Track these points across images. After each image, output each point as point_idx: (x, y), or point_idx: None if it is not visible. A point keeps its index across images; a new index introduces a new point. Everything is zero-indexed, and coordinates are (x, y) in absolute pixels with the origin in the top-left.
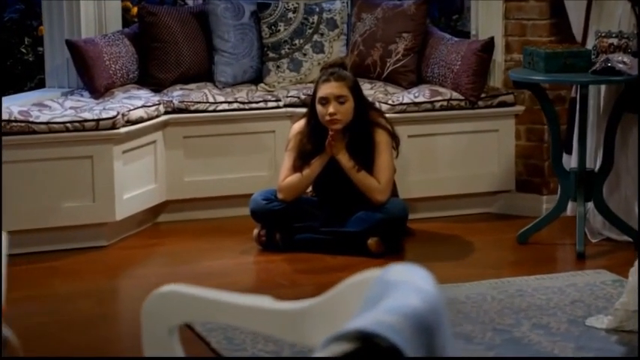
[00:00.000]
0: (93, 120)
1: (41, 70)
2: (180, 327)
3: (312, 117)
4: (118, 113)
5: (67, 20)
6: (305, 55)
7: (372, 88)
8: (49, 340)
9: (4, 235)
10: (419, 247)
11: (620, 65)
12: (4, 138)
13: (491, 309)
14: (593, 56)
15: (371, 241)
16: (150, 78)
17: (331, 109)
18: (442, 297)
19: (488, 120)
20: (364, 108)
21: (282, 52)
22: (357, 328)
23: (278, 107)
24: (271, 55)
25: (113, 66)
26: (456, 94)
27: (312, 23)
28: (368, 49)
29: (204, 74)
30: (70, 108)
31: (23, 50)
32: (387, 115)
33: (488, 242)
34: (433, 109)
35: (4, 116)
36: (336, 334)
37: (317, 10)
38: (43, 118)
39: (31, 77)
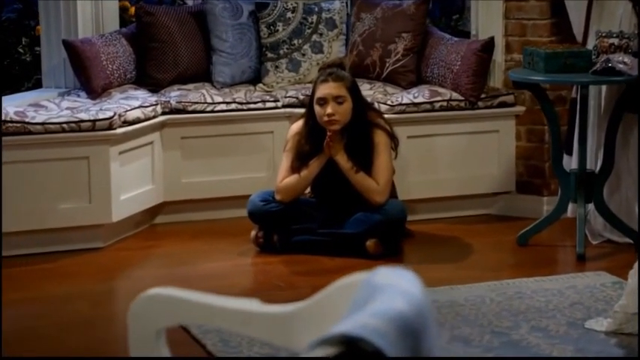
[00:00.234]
0: (89, 120)
1: (38, 70)
2: (177, 329)
3: (310, 117)
4: (115, 114)
5: (64, 20)
6: (304, 55)
7: (371, 89)
8: (45, 341)
9: None
10: (418, 249)
11: (621, 65)
12: None
13: (489, 311)
14: (593, 56)
15: (369, 243)
16: (147, 78)
17: (329, 110)
18: (429, 300)
19: (489, 121)
20: (363, 108)
21: (281, 52)
22: (341, 332)
23: (276, 108)
24: (270, 55)
25: (110, 66)
26: (455, 95)
27: (311, 23)
28: (367, 49)
29: (202, 74)
30: (67, 108)
31: (21, 50)
32: (386, 116)
33: (488, 244)
34: (433, 110)
35: None
36: (320, 338)
37: (316, 9)
38: (39, 119)
39: (28, 77)
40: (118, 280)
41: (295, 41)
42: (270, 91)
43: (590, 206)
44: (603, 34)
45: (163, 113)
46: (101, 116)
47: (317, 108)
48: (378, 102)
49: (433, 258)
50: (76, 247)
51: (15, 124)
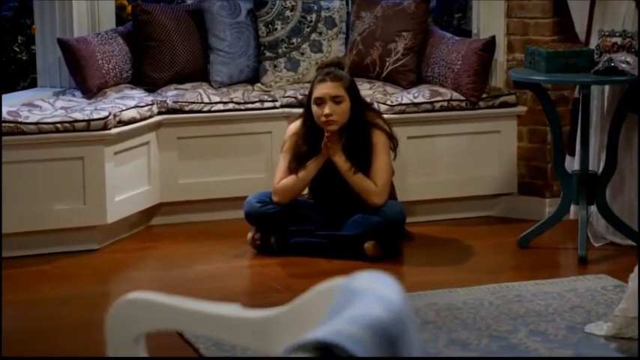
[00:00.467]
0: (84, 120)
1: (34, 69)
2: (171, 333)
3: (307, 118)
4: (110, 114)
5: (59, 18)
6: (303, 54)
7: (371, 88)
8: (40, 344)
9: None
10: (417, 251)
11: (623, 65)
12: None
13: (488, 315)
14: (596, 56)
15: (368, 245)
16: (144, 77)
17: (327, 110)
18: (409, 306)
19: (490, 121)
20: (361, 108)
21: (280, 51)
22: (316, 338)
23: (274, 108)
24: (268, 54)
25: (106, 65)
26: (456, 95)
27: (310, 22)
28: (367, 49)
29: (200, 74)
30: (61, 108)
31: (16, 49)
32: (386, 116)
33: (489, 246)
34: (433, 110)
35: None
36: (295, 344)
37: (315, 8)
38: (33, 119)
39: (24, 76)
40: (113, 283)
41: (294, 40)
42: (269, 91)
43: (593, 208)
44: (606, 33)
45: (160, 113)
46: (96, 116)
47: (314, 108)
48: (378, 102)
49: (432, 260)
50: (71, 249)
51: (8, 124)
